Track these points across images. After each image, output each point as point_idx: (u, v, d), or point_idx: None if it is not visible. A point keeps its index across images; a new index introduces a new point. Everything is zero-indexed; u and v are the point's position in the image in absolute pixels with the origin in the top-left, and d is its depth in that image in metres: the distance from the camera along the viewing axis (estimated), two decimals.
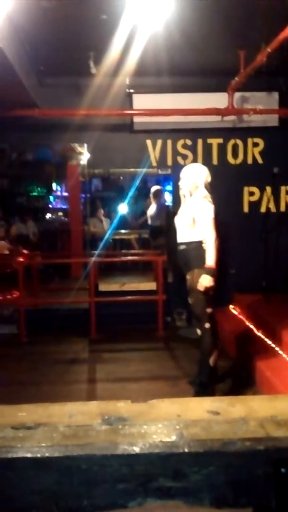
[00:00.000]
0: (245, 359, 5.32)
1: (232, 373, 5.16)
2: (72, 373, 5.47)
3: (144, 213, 11.39)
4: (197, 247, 4.34)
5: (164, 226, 9.12)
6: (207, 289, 4.27)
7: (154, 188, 10.00)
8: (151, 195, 9.87)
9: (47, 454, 1.25)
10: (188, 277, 4.39)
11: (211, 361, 4.37)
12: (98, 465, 1.26)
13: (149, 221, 9.92)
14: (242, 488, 1.33)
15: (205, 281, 4.24)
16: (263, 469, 1.31)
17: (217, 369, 4.58)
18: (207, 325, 4.34)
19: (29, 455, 1.25)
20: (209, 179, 4.58)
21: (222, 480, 1.31)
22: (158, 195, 9.72)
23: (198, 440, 1.33)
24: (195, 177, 4.51)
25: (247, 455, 1.31)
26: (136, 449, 1.28)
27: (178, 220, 4.54)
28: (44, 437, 1.32)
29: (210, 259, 4.27)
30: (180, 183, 4.60)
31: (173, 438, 1.33)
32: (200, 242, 4.33)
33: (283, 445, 1.31)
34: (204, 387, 4.33)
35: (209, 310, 4.36)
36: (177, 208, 4.76)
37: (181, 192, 4.58)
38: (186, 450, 1.30)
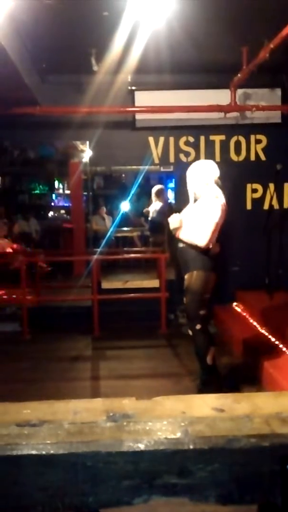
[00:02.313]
0: (248, 356, 5.32)
1: (236, 371, 5.15)
2: (75, 370, 5.48)
3: (142, 214, 11.45)
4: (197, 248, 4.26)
5: (166, 223, 9.12)
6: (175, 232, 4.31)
7: (156, 187, 10.02)
8: (153, 194, 9.88)
9: (52, 451, 1.25)
10: (186, 277, 4.34)
11: (209, 359, 4.34)
12: (103, 462, 1.26)
13: (150, 216, 9.94)
14: (247, 485, 1.33)
15: (172, 222, 4.30)
16: (268, 466, 1.30)
17: (218, 366, 4.56)
18: (198, 326, 4.28)
19: (34, 452, 1.25)
20: (217, 174, 4.45)
21: (227, 477, 1.31)
22: (161, 194, 9.73)
23: (203, 437, 1.33)
24: (204, 176, 4.38)
25: (252, 452, 1.31)
26: (141, 446, 1.28)
27: (186, 218, 4.42)
28: (49, 434, 1.32)
29: (186, 235, 4.25)
30: (188, 184, 4.46)
31: (178, 435, 1.33)
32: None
33: None
34: (207, 385, 4.33)
35: (202, 312, 4.30)
36: (181, 205, 4.69)
37: (190, 193, 4.46)
38: (191, 447, 1.30)
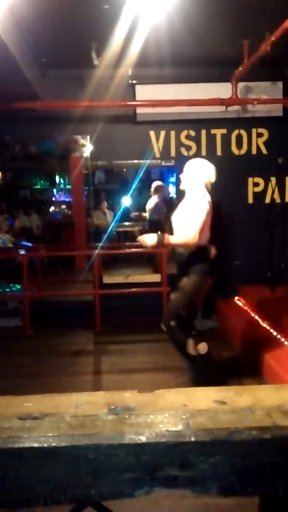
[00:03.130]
0: (250, 350, 5.33)
1: (238, 364, 5.16)
2: (77, 365, 5.49)
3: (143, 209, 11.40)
4: (194, 251, 4.21)
5: (164, 219, 9.11)
6: (146, 245, 4.18)
7: (155, 183, 9.97)
8: (152, 190, 9.84)
9: (54, 444, 1.25)
10: (184, 279, 4.27)
11: (191, 350, 4.30)
12: (105, 454, 1.26)
13: (147, 215, 9.88)
14: (249, 477, 1.33)
15: (149, 240, 4.12)
16: (270, 458, 1.30)
17: (206, 355, 4.51)
18: (172, 323, 4.26)
19: (36, 445, 1.25)
20: (212, 178, 4.37)
21: (229, 469, 1.31)
22: (159, 190, 9.69)
23: (204, 429, 1.33)
24: (196, 175, 4.33)
25: (254, 444, 1.31)
26: (143, 439, 1.28)
27: (175, 218, 4.38)
28: (50, 427, 1.32)
29: (174, 238, 4.15)
30: (181, 177, 4.44)
31: (180, 427, 1.33)
32: (197, 247, 4.18)
33: None
34: (199, 374, 4.32)
35: (183, 313, 4.27)
36: (179, 201, 4.64)
37: (181, 187, 4.45)
38: (192, 439, 1.30)
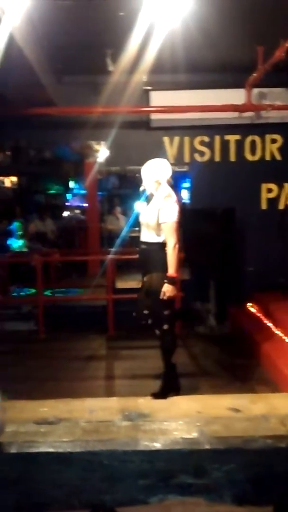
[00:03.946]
0: (264, 356, 5.29)
1: (251, 371, 5.13)
2: (90, 369, 5.50)
3: None
4: (158, 249, 4.21)
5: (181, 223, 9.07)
6: (171, 297, 4.18)
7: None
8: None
9: (68, 450, 1.27)
10: (145, 279, 4.31)
11: (173, 359, 4.35)
12: (120, 460, 1.27)
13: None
14: (263, 485, 1.33)
15: (167, 291, 4.12)
16: (285, 466, 1.30)
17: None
18: (165, 327, 4.25)
19: (51, 450, 1.27)
20: (169, 173, 4.37)
21: (243, 477, 1.32)
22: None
23: (219, 437, 1.33)
24: (156, 175, 4.32)
25: (268, 452, 1.31)
26: (157, 445, 1.29)
27: (143, 219, 4.37)
28: (65, 432, 1.33)
29: (171, 268, 4.13)
30: (143, 183, 4.41)
31: (194, 435, 1.34)
32: (162, 244, 4.20)
33: None
34: (166, 383, 4.26)
35: (166, 312, 4.24)
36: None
37: (147, 193, 4.40)
38: (207, 447, 1.30)
